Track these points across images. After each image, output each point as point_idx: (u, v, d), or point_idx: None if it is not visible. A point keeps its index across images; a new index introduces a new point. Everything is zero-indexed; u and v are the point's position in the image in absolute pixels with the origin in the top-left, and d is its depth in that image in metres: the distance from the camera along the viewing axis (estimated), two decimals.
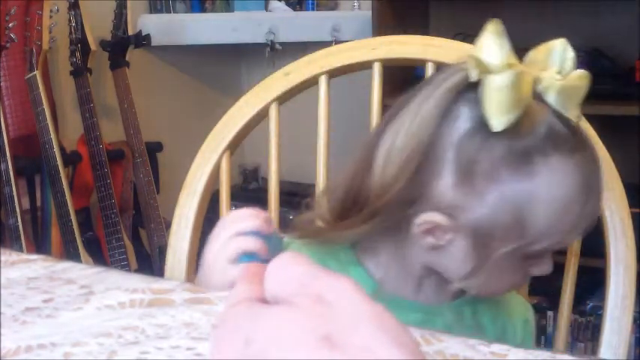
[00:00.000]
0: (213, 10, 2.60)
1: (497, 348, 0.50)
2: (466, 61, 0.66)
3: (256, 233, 0.68)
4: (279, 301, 0.37)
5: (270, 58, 2.43)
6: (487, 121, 0.63)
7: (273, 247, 0.69)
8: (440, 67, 0.89)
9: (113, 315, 0.55)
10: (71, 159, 2.08)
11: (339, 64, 0.92)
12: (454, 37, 1.25)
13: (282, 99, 0.93)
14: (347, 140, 1.95)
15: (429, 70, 0.90)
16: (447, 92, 0.66)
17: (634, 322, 0.88)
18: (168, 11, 2.55)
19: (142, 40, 2.25)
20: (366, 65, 0.92)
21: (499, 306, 0.79)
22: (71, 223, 1.97)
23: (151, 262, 2.21)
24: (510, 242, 0.66)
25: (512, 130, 0.63)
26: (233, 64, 2.81)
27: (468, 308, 0.76)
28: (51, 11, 1.95)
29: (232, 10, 2.57)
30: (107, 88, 2.27)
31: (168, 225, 1.04)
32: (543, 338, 2.12)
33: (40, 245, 2.02)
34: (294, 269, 0.38)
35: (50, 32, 1.94)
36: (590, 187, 0.67)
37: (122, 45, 2.19)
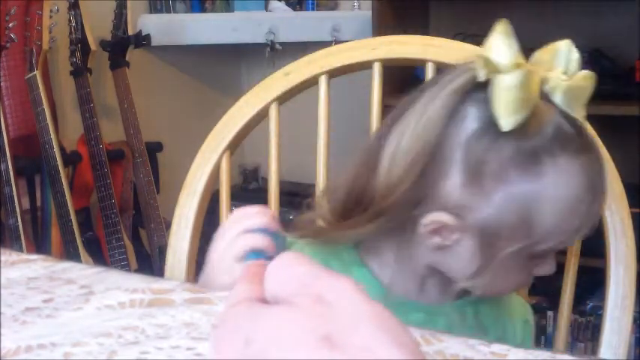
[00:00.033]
0: (213, 10, 2.60)
1: (497, 348, 0.50)
2: (473, 61, 0.66)
3: (264, 230, 0.68)
4: (280, 301, 0.37)
5: (270, 58, 2.43)
6: (496, 120, 0.63)
7: (279, 245, 0.68)
8: (440, 67, 0.90)
9: (113, 315, 0.55)
10: (71, 159, 2.08)
11: (339, 64, 0.92)
12: (454, 37, 1.25)
13: (282, 99, 0.93)
14: (347, 140, 1.95)
15: (429, 70, 0.90)
16: (453, 92, 0.66)
17: (634, 322, 0.88)
18: (168, 11, 2.55)
19: (142, 40, 2.25)
20: (366, 65, 0.92)
21: (500, 306, 0.80)
22: (71, 223, 1.96)
23: (151, 262, 2.21)
24: (517, 242, 0.66)
25: (521, 131, 0.63)
26: (233, 64, 2.81)
27: (469, 308, 0.76)
28: (51, 11, 1.95)
29: (232, 10, 2.57)
30: (107, 88, 2.27)
31: (168, 225, 1.04)
32: (543, 338, 2.12)
33: (40, 245, 2.02)
34: (294, 269, 0.38)
35: (50, 32, 1.94)
36: (596, 187, 0.67)
37: (122, 45, 2.19)
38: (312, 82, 0.92)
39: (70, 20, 2.03)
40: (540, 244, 0.67)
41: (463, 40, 0.94)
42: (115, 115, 2.23)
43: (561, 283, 0.85)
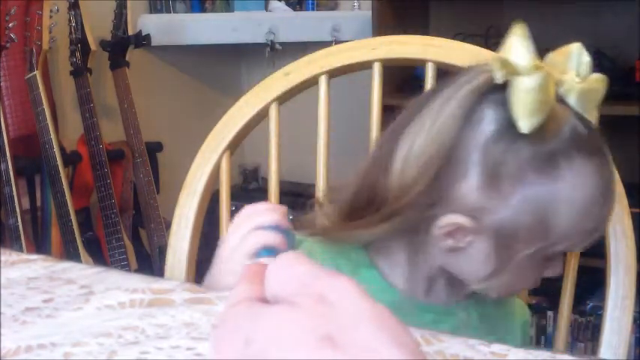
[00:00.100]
0: (213, 10, 2.60)
1: (498, 348, 0.50)
2: (488, 62, 0.66)
3: (275, 227, 0.67)
4: (280, 300, 0.37)
5: (270, 58, 2.43)
6: (515, 122, 0.63)
7: (290, 242, 0.68)
8: (440, 67, 0.90)
9: (113, 315, 0.55)
10: (71, 159, 2.08)
11: (339, 64, 0.92)
12: (454, 37, 1.25)
13: (282, 99, 0.93)
14: (347, 140, 1.95)
15: (429, 70, 0.90)
16: (469, 94, 0.65)
17: (634, 322, 0.88)
18: (168, 11, 2.55)
19: (142, 40, 2.25)
20: (366, 65, 0.92)
21: (503, 308, 0.80)
22: (71, 223, 1.96)
23: (151, 262, 2.21)
24: (533, 244, 0.67)
25: (539, 133, 0.63)
26: (233, 64, 2.81)
27: (474, 309, 0.76)
28: (51, 11, 1.95)
29: (232, 10, 2.57)
30: (107, 88, 2.27)
31: (168, 225, 1.04)
32: (543, 338, 2.12)
33: (40, 245, 2.02)
34: (295, 269, 0.38)
35: (50, 32, 1.94)
36: (608, 190, 0.68)
37: (122, 45, 2.19)
38: (312, 82, 0.92)
39: (70, 20, 2.03)
40: (555, 246, 0.68)
41: (463, 40, 0.94)
42: (115, 115, 2.23)
43: (561, 283, 0.85)
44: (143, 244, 2.27)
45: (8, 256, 0.69)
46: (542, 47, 0.67)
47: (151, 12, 2.53)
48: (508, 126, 0.64)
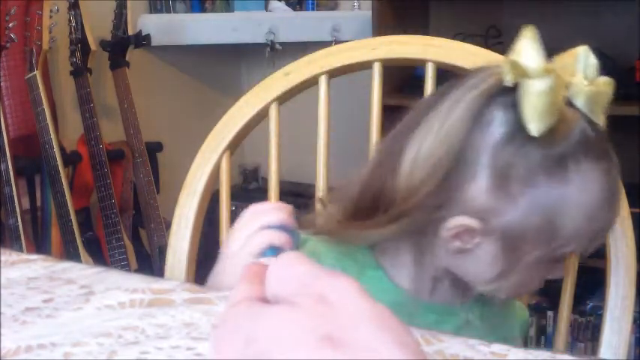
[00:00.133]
0: (213, 10, 2.60)
1: (497, 348, 0.50)
2: (497, 65, 0.66)
3: (281, 227, 0.67)
4: (281, 300, 0.37)
5: (270, 58, 2.43)
6: (525, 125, 0.63)
7: (295, 241, 0.67)
8: (440, 67, 0.90)
9: (113, 315, 0.55)
10: (71, 159, 2.08)
11: (339, 64, 0.92)
12: (454, 37, 1.25)
13: (282, 99, 0.93)
14: (347, 140, 1.95)
15: (429, 70, 0.90)
16: (478, 96, 0.65)
17: (634, 322, 0.88)
18: (168, 11, 2.55)
19: (142, 40, 2.25)
20: (366, 65, 0.92)
21: (505, 308, 0.80)
22: (71, 223, 1.97)
23: (150, 262, 2.21)
24: (540, 246, 0.67)
25: (549, 135, 0.63)
26: (233, 64, 2.81)
27: (478, 310, 0.76)
28: (51, 11, 1.95)
29: (232, 10, 2.57)
30: (107, 88, 2.27)
31: (168, 225, 1.04)
32: (543, 338, 2.12)
33: (40, 245, 2.02)
34: (295, 269, 0.38)
35: (50, 32, 1.94)
36: (614, 193, 0.68)
37: (122, 45, 2.19)
38: (312, 82, 0.92)
39: (70, 20, 2.03)
40: (561, 249, 0.68)
41: (463, 40, 0.94)
42: (115, 115, 2.23)
43: (561, 283, 0.85)
44: (143, 244, 2.27)
45: (8, 256, 0.69)
46: (543, 47, 0.67)
47: (151, 12, 2.53)
48: (518, 128, 0.64)
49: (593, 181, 0.66)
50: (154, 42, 2.32)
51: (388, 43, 0.92)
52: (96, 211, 2.14)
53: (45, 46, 1.92)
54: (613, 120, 0.68)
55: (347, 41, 0.95)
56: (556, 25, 2.15)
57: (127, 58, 2.19)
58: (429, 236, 0.69)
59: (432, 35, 0.91)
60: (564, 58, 0.67)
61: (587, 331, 2.07)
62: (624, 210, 0.81)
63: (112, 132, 2.22)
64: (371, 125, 0.91)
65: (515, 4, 2.22)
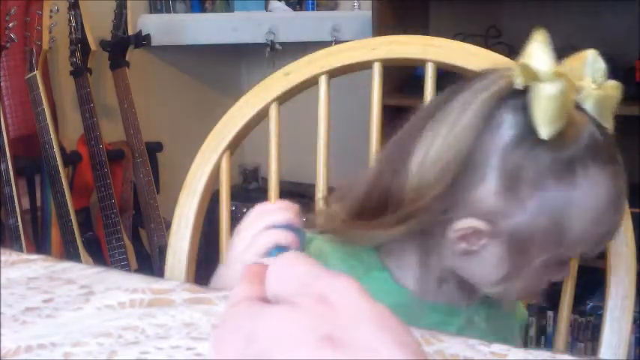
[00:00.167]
0: (213, 10, 2.60)
1: (497, 348, 0.50)
2: (508, 68, 0.66)
3: (288, 226, 0.66)
4: (281, 300, 0.37)
5: (270, 58, 2.43)
6: (535, 128, 0.63)
7: (302, 241, 0.67)
8: (440, 67, 0.90)
9: (113, 315, 0.55)
10: (71, 159, 2.08)
11: (339, 64, 0.92)
12: (454, 37, 1.25)
13: (282, 99, 0.93)
14: (347, 140, 1.95)
15: (429, 70, 0.90)
16: (488, 99, 0.65)
17: (634, 322, 0.88)
18: (168, 11, 2.55)
19: (142, 40, 2.25)
20: (366, 65, 0.92)
21: (508, 309, 0.80)
22: (71, 223, 1.97)
23: (150, 262, 2.21)
24: (547, 249, 0.67)
25: (558, 139, 0.64)
26: (233, 64, 2.81)
27: (483, 312, 0.76)
28: (51, 11, 1.95)
29: (232, 10, 2.57)
30: (107, 88, 2.27)
31: (168, 225, 1.04)
32: (543, 338, 2.12)
33: (40, 245, 2.02)
34: (295, 269, 0.38)
35: (50, 32, 1.94)
36: (620, 197, 0.68)
37: (122, 45, 2.19)
38: (312, 82, 0.92)
39: (70, 20, 2.03)
40: (567, 252, 0.69)
41: (463, 40, 0.94)
42: (115, 115, 2.23)
43: (561, 283, 0.85)
44: (143, 244, 2.27)
45: (8, 256, 0.69)
46: (553, 50, 0.67)
47: (151, 12, 2.53)
48: (527, 131, 0.64)
49: (601, 185, 0.66)
50: (154, 42, 2.32)
51: (388, 43, 0.92)
52: (96, 211, 2.14)
53: (45, 46, 1.92)
54: (613, 120, 0.68)
55: (347, 41, 0.95)
56: (556, 25, 2.15)
57: (127, 58, 2.19)
58: (435, 237, 0.70)
59: (432, 35, 0.91)
60: (572, 62, 0.67)
61: (587, 331, 2.07)
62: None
63: (112, 132, 2.22)
64: (371, 125, 0.91)
65: (515, 4, 2.22)
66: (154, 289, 0.60)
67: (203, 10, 2.60)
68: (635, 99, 1.83)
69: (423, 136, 0.67)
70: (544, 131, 0.63)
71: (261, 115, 0.93)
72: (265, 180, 1.71)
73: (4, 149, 1.85)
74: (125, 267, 2.07)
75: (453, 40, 0.91)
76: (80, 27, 2.04)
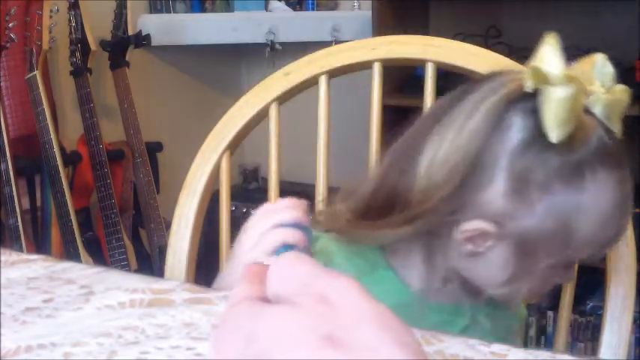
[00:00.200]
0: (213, 10, 2.60)
1: (497, 348, 0.50)
2: (517, 70, 0.67)
3: (296, 225, 0.66)
4: (281, 300, 0.37)
5: (270, 58, 2.43)
6: (544, 131, 0.63)
7: (309, 239, 0.67)
8: (440, 67, 0.90)
9: (113, 315, 0.55)
10: (71, 159, 2.08)
11: (339, 64, 0.92)
12: (454, 37, 1.25)
13: (282, 99, 0.93)
14: (347, 140, 1.95)
15: (429, 70, 0.90)
16: (498, 101, 0.66)
17: (634, 322, 0.88)
18: (168, 11, 2.55)
19: (142, 40, 2.25)
20: (366, 65, 0.92)
21: (507, 308, 0.80)
22: (71, 223, 1.97)
23: (150, 262, 2.21)
24: (553, 252, 0.68)
25: (567, 143, 0.64)
26: (233, 64, 2.81)
27: (485, 311, 0.77)
28: (51, 11, 1.95)
29: (232, 10, 2.57)
30: (107, 88, 2.27)
31: (168, 225, 1.04)
32: (543, 338, 2.12)
33: (40, 245, 2.02)
34: (296, 269, 0.38)
35: (50, 32, 1.94)
36: (626, 201, 0.69)
37: (122, 45, 2.19)
38: (312, 82, 0.92)
39: (70, 20, 2.03)
40: (573, 255, 0.69)
41: (463, 40, 0.94)
42: (115, 115, 2.23)
43: (561, 283, 0.85)
44: (143, 244, 2.27)
45: (8, 256, 0.69)
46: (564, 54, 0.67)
47: (151, 12, 2.53)
48: (537, 135, 0.64)
49: (609, 189, 0.66)
50: (154, 42, 2.32)
51: (388, 43, 0.92)
52: (96, 211, 2.14)
53: (45, 46, 1.92)
54: (621, 124, 0.69)
55: (347, 41, 0.95)
56: (556, 25, 2.15)
57: (127, 58, 2.19)
58: (441, 238, 0.70)
59: (432, 35, 0.91)
60: (581, 66, 0.67)
61: (587, 331, 2.07)
62: None
63: (112, 132, 2.22)
64: (371, 125, 0.91)
65: (515, 4, 2.22)
66: (154, 289, 0.60)
67: (203, 10, 2.60)
68: (636, 99, 1.83)
69: (432, 137, 0.68)
70: (554, 135, 0.63)
71: (261, 115, 0.93)
72: (265, 180, 1.71)
73: (4, 149, 1.85)
74: (125, 267, 2.06)
75: (453, 40, 0.91)
76: (80, 27, 2.04)
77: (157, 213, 2.19)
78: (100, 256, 2.08)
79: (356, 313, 0.35)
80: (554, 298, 0.88)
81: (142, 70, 2.37)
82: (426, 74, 0.90)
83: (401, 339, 0.34)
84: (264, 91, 0.93)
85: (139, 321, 0.53)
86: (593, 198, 0.66)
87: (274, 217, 0.67)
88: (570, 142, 0.64)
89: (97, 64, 2.14)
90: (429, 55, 0.89)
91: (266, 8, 2.55)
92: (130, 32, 2.20)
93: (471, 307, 0.76)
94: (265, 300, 0.38)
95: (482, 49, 0.89)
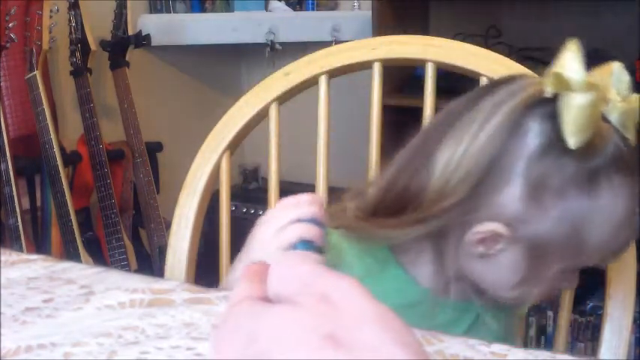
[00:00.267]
0: (213, 10, 2.60)
1: (497, 348, 0.50)
2: (533, 75, 0.67)
3: (313, 220, 0.66)
4: (282, 300, 0.37)
5: (270, 58, 2.43)
6: (563, 137, 0.64)
7: (325, 235, 0.67)
8: (440, 67, 0.90)
9: (113, 315, 0.55)
10: (71, 159, 2.08)
11: (339, 64, 0.92)
12: (454, 37, 1.25)
13: (282, 99, 0.93)
14: (347, 140, 1.95)
15: (429, 70, 0.90)
16: (516, 106, 0.66)
17: (634, 322, 0.88)
18: (168, 11, 2.55)
19: (142, 40, 2.25)
20: (366, 65, 0.92)
21: (509, 307, 0.81)
22: (71, 223, 1.96)
23: (150, 262, 2.21)
24: (564, 258, 0.68)
25: (584, 149, 0.64)
26: (233, 64, 2.81)
27: (492, 312, 0.77)
28: (51, 11, 1.95)
29: (232, 10, 2.57)
30: (107, 88, 2.27)
31: (168, 225, 1.04)
32: (543, 338, 2.12)
33: (40, 245, 2.02)
34: (297, 268, 0.38)
35: (50, 32, 1.94)
36: (635, 210, 0.69)
37: (122, 45, 2.19)
38: (312, 82, 0.92)
39: (70, 20, 2.03)
40: (584, 261, 0.69)
41: (463, 40, 0.94)
42: (115, 115, 2.23)
43: None
44: (143, 244, 2.27)
45: (8, 256, 0.69)
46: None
47: (151, 12, 2.53)
48: (554, 140, 0.64)
49: (622, 196, 0.67)
50: (154, 42, 2.32)
51: (388, 43, 0.92)
52: (96, 211, 2.14)
53: (45, 46, 1.92)
54: (636, 132, 0.69)
55: (347, 41, 0.95)
56: (556, 25, 2.15)
57: (127, 58, 2.19)
58: (453, 238, 0.70)
59: (432, 35, 0.91)
60: (599, 74, 0.67)
61: (587, 331, 2.07)
62: None
63: (112, 132, 2.22)
64: (371, 125, 0.91)
65: (515, 4, 2.22)
66: (154, 289, 0.60)
67: (203, 10, 2.60)
68: None
69: (448, 139, 0.68)
70: (572, 141, 0.63)
71: (261, 115, 0.93)
72: (265, 180, 1.71)
73: (4, 149, 1.85)
74: (125, 267, 2.06)
75: (453, 40, 0.91)
76: (80, 27, 2.04)
77: (157, 213, 2.19)
78: (100, 256, 2.08)
79: (358, 313, 0.35)
80: (554, 298, 0.88)
81: (142, 70, 2.37)
82: (426, 74, 0.90)
83: (402, 339, 0.34)
84: (264, 91, 0.93)
85: (139, 321, 0.53)
86: (607, 205, 0.66)
87: (293, 212, 0.67)
88: (587, 148, 0.64)
89: (97, 64, 2.14)
90: (429, 55, 0.89)
91: (266, 8, 2.55)
92: (130, 32, 2.20)
93: (479, 307, 0.76)
94: (266, 299, 0.38)
95: (482, 49, 0.89)
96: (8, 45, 1.90)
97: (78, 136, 2.14)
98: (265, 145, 0.93)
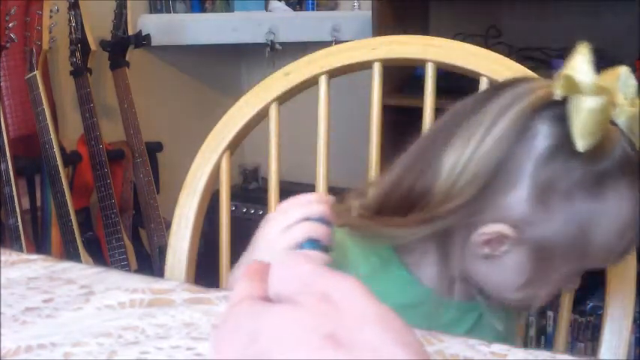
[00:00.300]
0: (213, 10, 2.60)
1: (497, 348, 0.50)
2: (540, 77, 0.67)
3: (321, 219, 0.66)
4: (283, 299, 0.37)
5: (270, 58, 2.43)
6: (572, 140, 0.64)
7: (332, 235, 0.67)
8: (440, 67, 0.90)
9: (113, 315, 0.55)
10: (71, 159, 2.08)
11: (339, 64, 0.92)
12: (454, 37, 1.25)
13: (282, 99, 0.93)
14: (347, 140, 1.95)
15: (429, 70, 0.90)
16: (526, 107, 0.66)
17: (634, 322, 0.88)
18: (168, 11, 2.55)
19: (142, 40, 2.25)
20: (366, 65, 0.92)
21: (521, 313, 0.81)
22: (71, 223, 1.96)
23: (150, 262, 2.21)
24: (570, 260, 0.68)
25: (592, 152, 0.64)
26: (233, 64, 2.81)
27: (497, 314, 0.77)
28: (51, 11, 1.95)
29: (232, 10, 2.57)
30: (107, 88, 2.27)
31: (168, 225, 1.04)
32: (543, 338, 2.12)
33: (40, 245, 2.02)
34: (298, 268, 0.38)
35: (50, 32, 1.94)
36: (637, 213, 0.69)
37: (122, 45, 2.19)
38: (312, 82, 0.92)
39: (70, 20, 2.03)
40: (589, 264, 0.69)
41: (463, 40, 0.94)
42: (115, 115, 2.23)
43: None
44: (143, 244, 2.27)
45: (8, 256, 0.69)
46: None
47: (151, 12, 2.53)
48: (563, 143, 0.65)
49: (628, 199, 0.67)
50: (154, 42, 2.31)
51: (388, 43, 0.92)
52: (96, 211, 2.14)
53: (45, 46, 1.92)
54: None
55: (347, 41, 0.95)
56: (556, 25, 2.15)
57: (127, 58, 2.19)
58: (458, 239, 0.70)
59: (432, 35, 0.91)
60: (606, 78, 0.67)
61: (587, 331, 2.07)
62: None
63: (112, 132, 2.22)
64: (371, 125, 0.91)
65: (515, 4, 2.22)
66: (154, 289, 0.60)
67: (203, 10, 2.60)
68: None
69: (456, 140, 0.68)
70: (581, 144, 0.63)
71: (261, 115, 0.93)
72: (265, 180, 1.71)
73: (4, 149, 1.85)
74: (125, 267, 2.06)
75: (453, 40, 0.91)
76: (80, 27, 2.04)
77: (157, 213, 2.19)
78: (100, 256, 2.08)
79: (358, 313, 0.35)
80: (554, 298, 0.89)
81: (142, 70, 2.37)
82: (426, 74, 0.90)
83: (403, 339, 0.34)
84: (264, 91, 0.93)
85: (139, 321, 0.53)
86: (614, 208, 0.66)
87: (302, 210, 0.66)
88: (595, 152, 0.64)
89: (97, 64, 2.14)
90: (429, 55, 0.89)
91: (266, 8, 2.55)
92: (130, 32, 2.20)
93: (483, 308, 0.76)
94: (267, 299, 0.38)
95: (482, 49, 0.89)
96: (8, 45, 1.90)
97: (78, 136, 2.14)
98: (265, 145, 0.93)
